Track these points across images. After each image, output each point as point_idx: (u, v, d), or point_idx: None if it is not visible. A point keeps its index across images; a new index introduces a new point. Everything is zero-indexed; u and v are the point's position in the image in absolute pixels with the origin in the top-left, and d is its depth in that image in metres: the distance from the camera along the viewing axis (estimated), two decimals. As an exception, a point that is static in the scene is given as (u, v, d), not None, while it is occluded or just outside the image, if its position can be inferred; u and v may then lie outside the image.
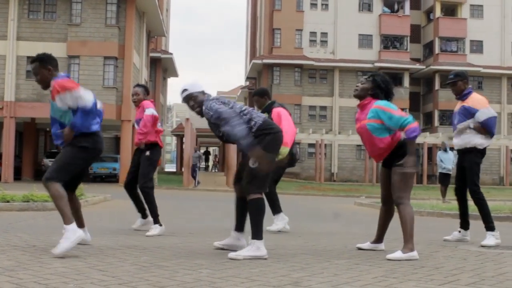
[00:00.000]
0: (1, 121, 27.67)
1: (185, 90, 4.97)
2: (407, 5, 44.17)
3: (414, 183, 5.45)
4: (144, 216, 6.84)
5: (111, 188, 20.46)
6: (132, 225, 6.99)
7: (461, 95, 6.33)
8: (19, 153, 32.28)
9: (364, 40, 43.64)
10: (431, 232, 7.54)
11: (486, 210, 6.14)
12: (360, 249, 5.44)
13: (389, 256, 4.82)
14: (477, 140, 6.18)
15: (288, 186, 26.35)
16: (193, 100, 4.93)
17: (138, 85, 7.09)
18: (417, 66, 43.41)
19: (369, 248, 5.42)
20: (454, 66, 38.68)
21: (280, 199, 7.17)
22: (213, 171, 56.38)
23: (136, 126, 6.89)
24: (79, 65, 26.86)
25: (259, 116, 4.83)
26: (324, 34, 43.28)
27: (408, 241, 4.89)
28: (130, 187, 6.80)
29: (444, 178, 16.61)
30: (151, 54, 37.95)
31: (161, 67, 42.95)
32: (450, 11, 45.60)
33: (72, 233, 4.49)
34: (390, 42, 43.77)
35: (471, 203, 6.47)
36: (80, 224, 5.04)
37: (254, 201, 4.72)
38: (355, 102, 5.40)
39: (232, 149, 25.38)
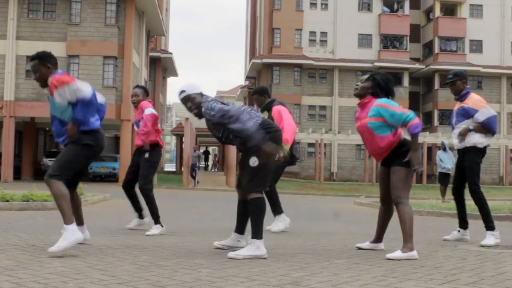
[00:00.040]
0: (0, 121, 27.65)
1: (183, 91, 4.95)
2: (406, 4, 44.17)
3: (413, 183, 5.46)
4: (140, 216, 6.84)
5: (110, 187, 20.46)
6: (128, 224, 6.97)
7: (460, 96, 6.34)
8: (19, 152, 32.29)
9: (364, 40, 43.64)
10: (431, 232, 7.54)
11: (486, 209, 6.14)
12: (359, 248, 5.44)
13: (389, 255, 4.82)
14: (476, 139, 6.17)
15: (288, 186, 26.35)
16: (191, 102, 4.92)
17: (137, 86, 7.08)
18: (417, 65, 43.42)
19: (368, 248, 5.42)
20: (454, 65, 38.69)
21: (280, 199, 7.16)
22: (213, 170, 56.39)
23: (135, 127, 6.88)
24: (78, 64, 26.85)
25: (258, 116, 4.84)
26: (324, 33, 43.28)
27: (407, 241, 4.89)
28: (128, 187, 6.80)
29: (443, 178, 16.60)
30: (151, 54, 37.95)
31: (161, 66, 42.96)
32: (450, 10, 45.61)
33: (71, 234, 4.48)
34: (390, 41, 43.77)
35: (469, 202, 6.48)
36: (80, 222, 5.04)
37: (254, 201, 4.72)
38: (355, 101, 5.40)
39: (232, 149, 25.36)
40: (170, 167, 61.14)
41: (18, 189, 12.93)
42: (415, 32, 45.92)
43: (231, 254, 4.62)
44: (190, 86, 4.97)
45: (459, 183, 6.45)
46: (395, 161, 5.08)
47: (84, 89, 4.58)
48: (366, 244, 5.47)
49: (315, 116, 42.49)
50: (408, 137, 5.15)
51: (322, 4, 43.39)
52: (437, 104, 43.37)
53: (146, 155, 6.61)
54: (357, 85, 5.29)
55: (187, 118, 26.64)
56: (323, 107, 42.63)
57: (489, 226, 6.10)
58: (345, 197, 21.02)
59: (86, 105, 4.63)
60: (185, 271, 3.90)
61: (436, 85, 43.52)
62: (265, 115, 6.76)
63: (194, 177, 26.63)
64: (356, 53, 42.92)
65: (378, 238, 5.47)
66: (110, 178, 29.63)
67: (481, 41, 44.44)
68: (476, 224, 6.78)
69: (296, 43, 42.59)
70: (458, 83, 6.33)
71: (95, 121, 4.83)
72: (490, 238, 5.99)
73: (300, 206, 14.17)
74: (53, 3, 27.39)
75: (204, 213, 11.17)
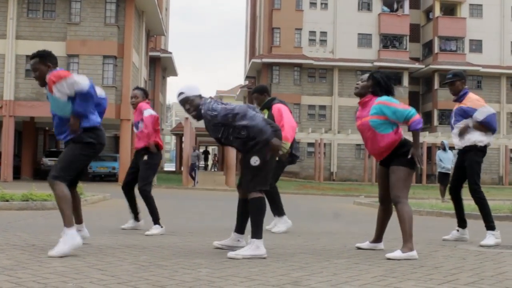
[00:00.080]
0: (0, 120, 27.65)
1: (181, 93, 4.95)
2: (406, 4, 44.17)
3: (413, 183, 5.47)
4: (136, 219, 6.84)
5: (110, 187, 20.46)
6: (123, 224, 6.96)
7: (458, 96, 6.34)
8: (19, 152, 32.28)
9: (364, 40, 43.63)
10: (430, 232, 7.54)
11: (487, 209, 6.13)
12: (359, 248, 5.44)
13: (389, 255, 4.82)
14: (476, 137, 6.16)
15: (288, 186, 26.35)
16: (190, 104, 4.92)
17: (137, 88, 7.08)
18: (417, 65, 43.41)
19: (368, 248, 5.42)
20: (454, 65, 38.69)
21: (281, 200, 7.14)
22: (213, 170, 56.38)
23: (135, 129, 6.87)
24: (78, 64, 26.83)
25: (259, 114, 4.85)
26: (324, 33, 43.28)
27: (407, 241, 4.89)
28: (128, 188, 6.80)
29: (443, 178, 16.58)
30: (151, 53, 37.94)
31: (161, 66, 42.96)
32: (450, 10, 45.61)
33: (70, 238, 4.49)
34: (390, 41, 43.77)
35: (469, 202, 6.47)
36: (79, 221, 5.06)
37: (254, 200, 4.73)
38: (355, 101, 5.42)
39: (232, 149, 25.35)
40: (169, 166, 61.14)
41: (17, 188, 12.92)
42: (415, 31, 45.92)
43: (231, 254, 4.62)
44: (189, 88, 4.97)
45: (457, 183, 6.45)
46: (394, 161, 5.08)
47: (81, 81, 4.61)
48: (366, 244, 5.47)
49: (314, 116, 42.48)
50: (408, 137, 5.15)
51: (321, 3, 43.39)
52: (436, 104, 43.37)
53: (145, 157, 6.60)
54: (357, 84, 5.30)
55: (186, 118, 26.63)
56: (322, 107, 42.64)
57: (490, 226, 6.10)
58: (345, 197, 21.01)
59: (85, 98, 4.64)
60: (185, 271, 3.90)
61: (436, 85, 43.52)
62: (265, 113, 6.77)
63: (193, 177, 26.62)
64: (355, 53, 42.92)
65: (378, 238, 5.47)
66: (110, 177, 29.62)
67: (480, 41, 44.44)
68: (476, 224, 6.78)
69: (296, 42, 42.59)
70: (457, 83, 6.34)
71: (95, 118, 4.85)
72: (490, 238, 5.99)
73: (300, 206, 14.17)
74: (53, 2, 27.38)
75: (203, 213, 11.17)
